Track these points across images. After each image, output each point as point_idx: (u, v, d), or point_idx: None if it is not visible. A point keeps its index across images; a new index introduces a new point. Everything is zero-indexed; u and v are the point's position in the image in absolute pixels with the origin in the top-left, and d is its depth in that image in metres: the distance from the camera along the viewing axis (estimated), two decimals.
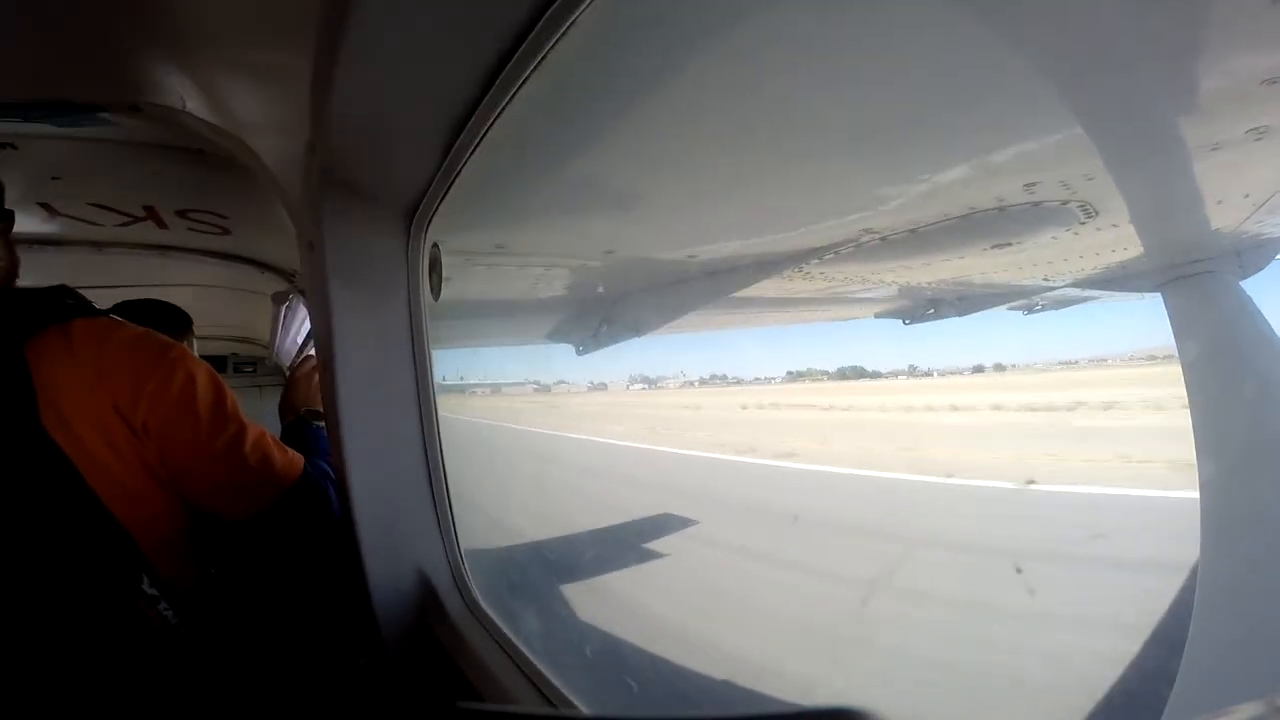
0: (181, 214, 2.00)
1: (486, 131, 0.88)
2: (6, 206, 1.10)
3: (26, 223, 1.72)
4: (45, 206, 1.83)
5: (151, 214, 1.99)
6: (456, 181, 0.99)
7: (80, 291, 1.11)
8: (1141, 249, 1.75)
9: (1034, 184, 1.33)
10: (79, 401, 0.94)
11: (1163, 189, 1.46)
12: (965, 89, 1.08)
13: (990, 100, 1.14)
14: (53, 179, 1.68)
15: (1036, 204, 1.38)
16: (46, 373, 0.93)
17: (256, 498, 1.10)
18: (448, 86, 0.83)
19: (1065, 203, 1.41)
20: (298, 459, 1.17)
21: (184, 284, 2.47)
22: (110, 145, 1.57)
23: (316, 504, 1.18)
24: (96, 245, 2.15)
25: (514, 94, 0.80)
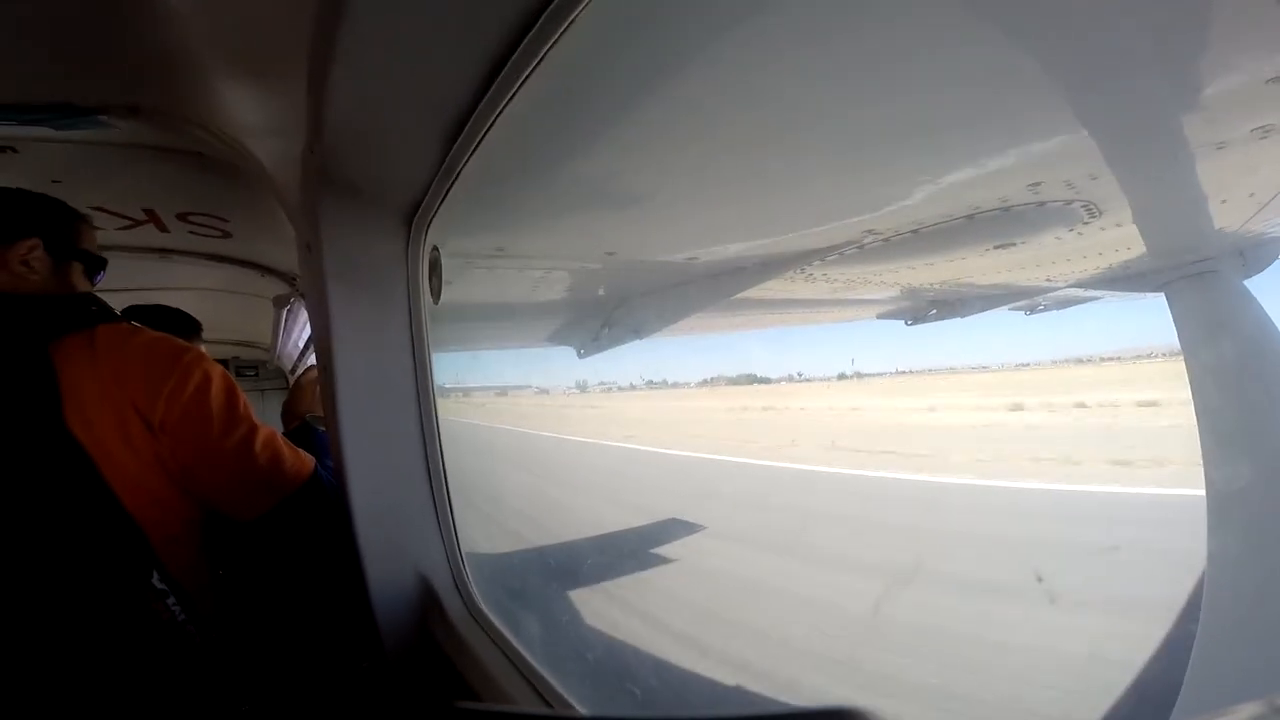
0: (182, 217, 2.00)
1: (486, 133, 0.87)
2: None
3: None
4: None
5: (152, 217, 1.99)
6: (456, 183, 0.98)
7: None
8: (1145, 248, 1.74)
9: (1038, 184, 1.32)
10: (100, 401, 0.98)
11: (1167, 188, 1.45)
12: (969, 89, 1.07)
13: (994, 100, 1.13)
14: (53, 182, 1.68)
15: (1041, 204, 1.37)
16: (70, 374, 0.98)
17: (264, 496, 1.12)
18: (445, 88, 0.82)
19: (1069, 202, 1.39)
20: (308, 460, 1.19)
21: (185, 287, 2.47)
22: (110, 148, 1.57)
23: (326, 504, 1.19)
24: (98, 248, 2.15)
25: (513, 95, 0.80)
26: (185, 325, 1.94)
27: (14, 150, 1.53)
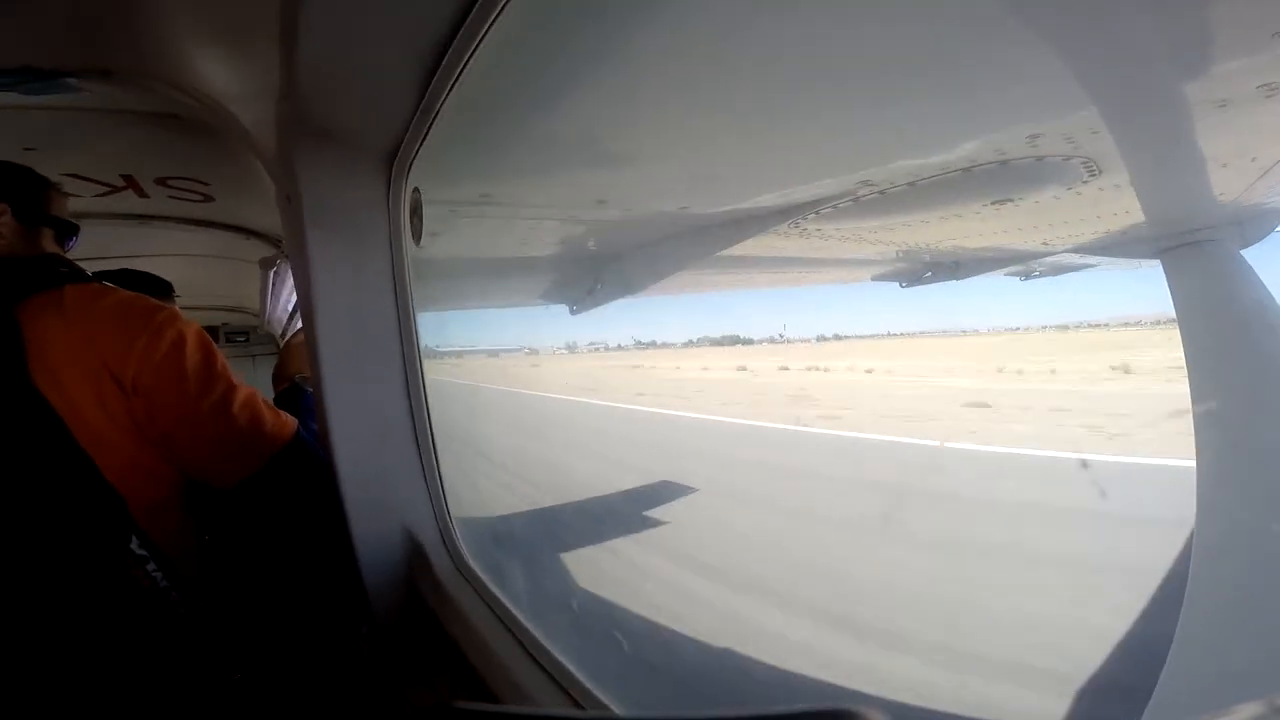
0: (161, 182, 1.96)
1: (463, 70, 0.84)
2: None
3: None
4: None
5: (130, 183, 1.95)
6: (436, 124, 0.95)
7: None
8: (1143, 214, 1.71)
9: (1037, 136, 1.29)
10: (71, 362, 0.96)
11: (1167, 150, 1.43)
12: (968, 35, 1.04)
13: (993, 47, 1.10)
14: (25, 150, 1.64)
15: (1039, 159, 1.34)
16: (38, 335, 0.96)
17: (246, 459, 1.10)
18: (419, 22, 0.79)
19: (1069, 158, 1.37)
20: (290, 421, 1.17)
21: (169, 254, 2.43)
22: (84, 113, 1.54)
23: (310, 466, 1.17)
24: (75, 216, 2.11)
25: (489, 26, 0.76)
26: (156, 287, 1.90)
27: None
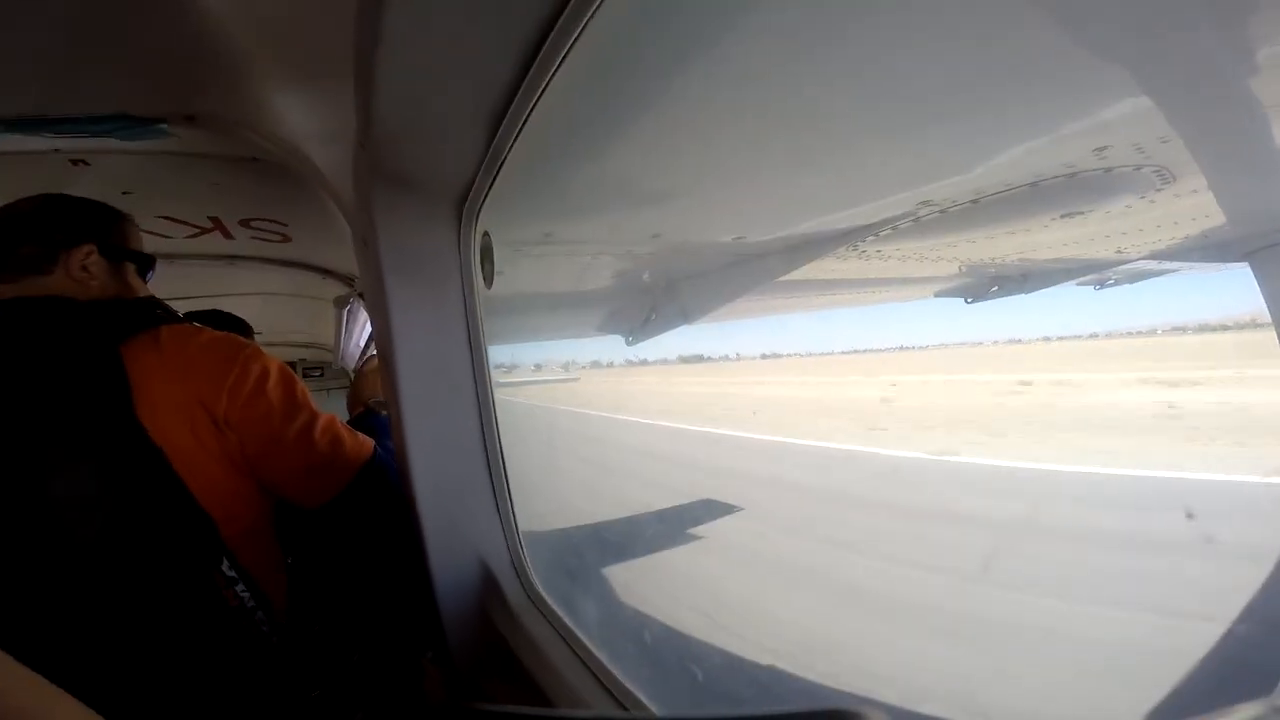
0: (245, 223, 2.08)
1: (528, 117, 0.87)
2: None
3: None
4: None
5: (218, 224, 2.08)
6: (503, 169, 0.99)
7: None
8: (1224, 216, 1.63)
9: (1104, 148, 1.25)
10: (167, 396, 1.04)
11: (1245, 153, 1.36)
12: (1027, 47, 1.02)
13: (1055, 58, 1.08)
14: (124, 194, 1.75)
15: (1108, 170, 1.30)
16: (139, 372, 1.03)
17: (330, 480, 1.17)
18: (486, 74, 0.83)
19: (1139, 168, 1.32)
20: (367, 442, 1.23)
21: (251, 292, 2.57)
22: (174, 158, 1.64)
23: (387, 482, 1.23)
24: (168, 258, 2.24)
25: (551, 77, 0.79)
26: (237, 327, 2.01)
27: (86, 163, 1.61)
